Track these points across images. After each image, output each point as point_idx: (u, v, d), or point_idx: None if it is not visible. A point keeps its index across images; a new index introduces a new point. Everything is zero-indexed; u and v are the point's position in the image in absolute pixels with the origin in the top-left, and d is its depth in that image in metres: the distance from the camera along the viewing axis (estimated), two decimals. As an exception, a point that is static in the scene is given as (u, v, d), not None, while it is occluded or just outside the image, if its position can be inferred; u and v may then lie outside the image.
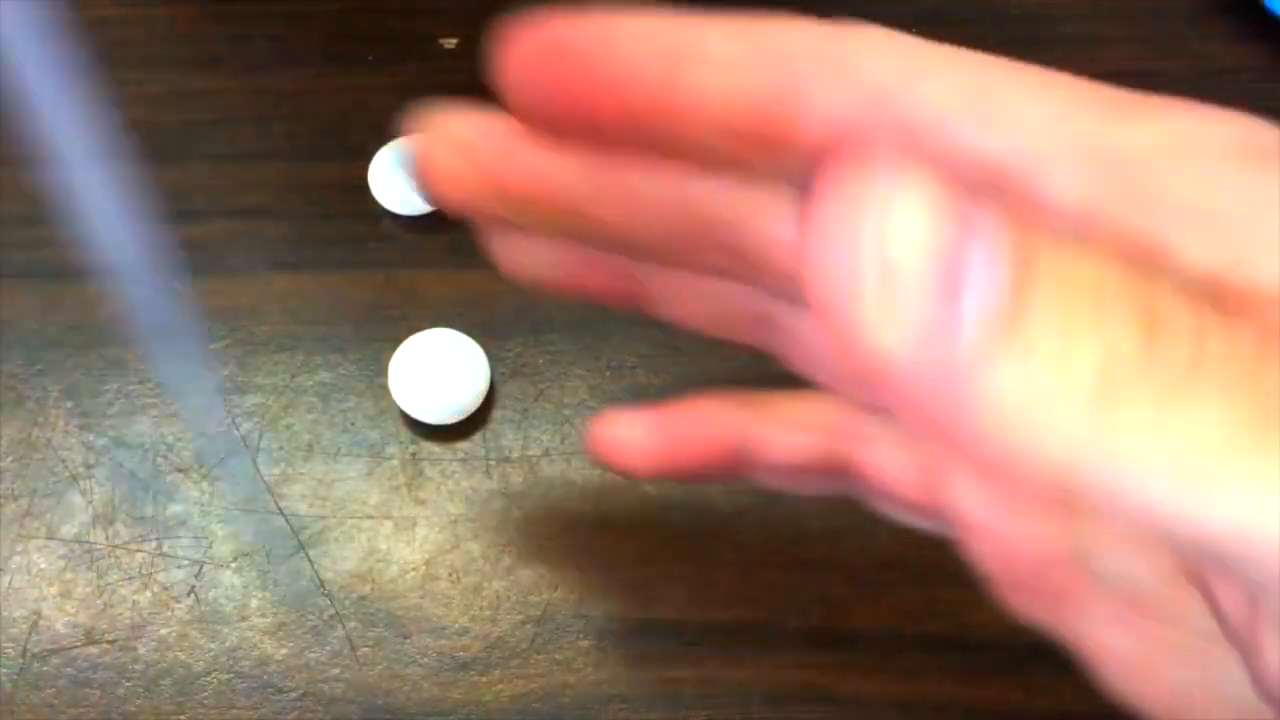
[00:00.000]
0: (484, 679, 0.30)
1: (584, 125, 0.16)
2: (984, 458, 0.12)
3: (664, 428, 0.22)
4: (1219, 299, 0.13)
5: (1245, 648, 0.15)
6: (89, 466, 0.33)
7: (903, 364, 0.12)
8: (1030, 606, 0.19)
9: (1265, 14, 0.38)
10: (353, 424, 0.33)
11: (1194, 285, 0.13)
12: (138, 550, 0.32)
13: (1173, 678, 0.17)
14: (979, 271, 0.12)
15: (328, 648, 0.31)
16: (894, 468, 0.20)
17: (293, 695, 0.30)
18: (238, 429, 0.33)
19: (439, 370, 0.32)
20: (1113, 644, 0.18)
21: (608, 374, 0.34)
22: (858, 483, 0.21)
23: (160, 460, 0.33)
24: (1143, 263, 0.12)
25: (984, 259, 0.12)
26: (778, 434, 0.22)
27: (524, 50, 0.16)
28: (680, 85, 0.16)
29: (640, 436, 0.22)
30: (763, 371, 0.21)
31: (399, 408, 0.33)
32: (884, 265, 0.12)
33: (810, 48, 0.16)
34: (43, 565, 0.32)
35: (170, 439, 0.33)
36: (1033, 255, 0.12)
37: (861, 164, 0.12)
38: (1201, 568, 0.15)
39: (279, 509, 0.32)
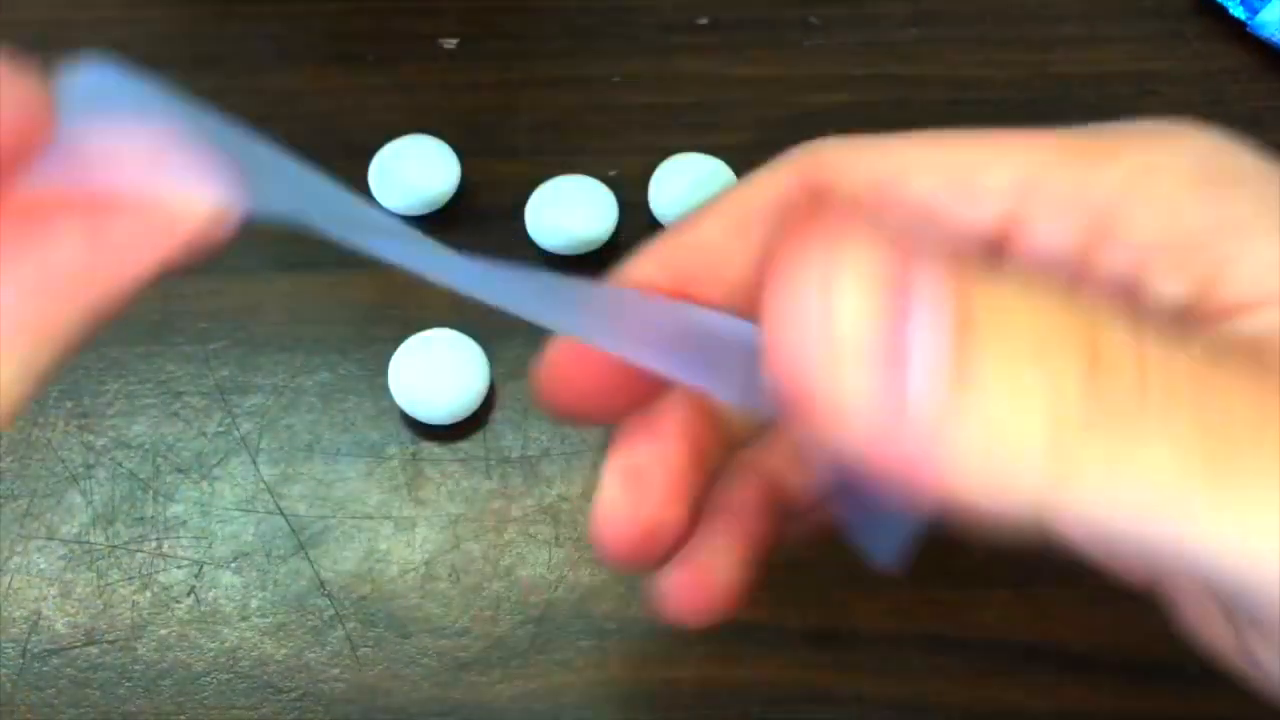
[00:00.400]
0: (484, 679, 0.30)
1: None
2: (960, 513, 0.13)
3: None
4: (1191, 320, 0.13)
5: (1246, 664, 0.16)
6: (89, 466, 0.33)
7: (864, 436, 0.12)
8: None
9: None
10: (353, 424, 0.33)
11: (1160, 314, 0.13)
12: (138, 550, 0.32)
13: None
14: (922, 336, 0.12)
15: (328, 648, 0.31)
16: None
17: (293, 695, 0.30)
18: (238, 429, 0.33)
19: (439, 370, 0.32)
20: None
21: (608, 374, 0.34)
22: None
23: (160, 460, 0.33)
24: (1097, 297, 0.13)
25: (926, 323, 0.12)
26: None
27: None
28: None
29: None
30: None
31: (399, 408, 0.33)
32: (830, 344, 0.12)
33: None
34: (43, 565, 0.32)
35: (170, 439, 0.33)
36: (971, 309, 0.12)
37: (804, 237, 0.12)
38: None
39: (279, 509, 0.32)
